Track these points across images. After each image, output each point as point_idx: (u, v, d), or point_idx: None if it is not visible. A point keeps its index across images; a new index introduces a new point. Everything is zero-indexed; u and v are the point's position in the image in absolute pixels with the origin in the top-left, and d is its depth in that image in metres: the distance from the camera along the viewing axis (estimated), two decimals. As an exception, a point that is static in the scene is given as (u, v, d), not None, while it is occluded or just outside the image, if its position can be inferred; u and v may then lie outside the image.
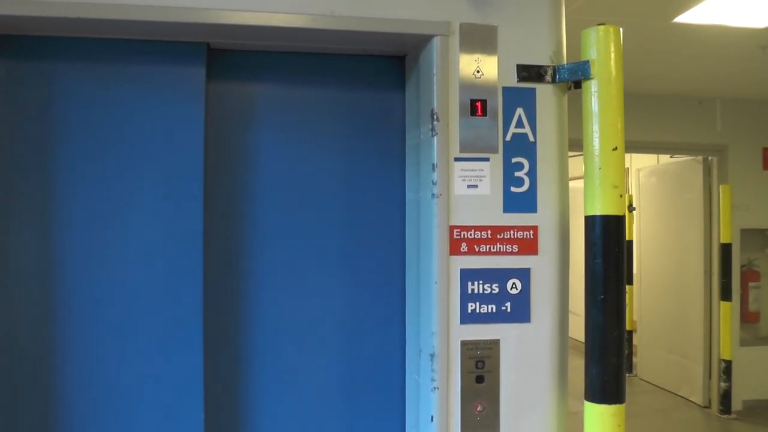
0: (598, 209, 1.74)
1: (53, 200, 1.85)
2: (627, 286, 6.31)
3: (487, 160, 1.85)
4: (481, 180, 1.84)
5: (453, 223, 1.83)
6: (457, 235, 1.83)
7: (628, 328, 7.16)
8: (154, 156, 1.90)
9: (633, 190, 8.04)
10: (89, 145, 1.87)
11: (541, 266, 1.88)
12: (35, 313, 1.84)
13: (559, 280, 1.90)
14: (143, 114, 1.90)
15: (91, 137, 1.87)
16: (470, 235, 1.84)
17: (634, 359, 8.01)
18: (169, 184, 1.90)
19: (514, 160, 1.86)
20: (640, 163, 8.14)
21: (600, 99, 1.75)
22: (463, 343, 1.83)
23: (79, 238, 1.86)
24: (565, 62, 1.91)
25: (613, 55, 1.75)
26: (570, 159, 1.96)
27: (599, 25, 1.77)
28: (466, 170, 1.84)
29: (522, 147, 1.87)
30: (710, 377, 6.61)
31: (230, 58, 2.01)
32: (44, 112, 1.85)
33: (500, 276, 1.85)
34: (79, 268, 1.86)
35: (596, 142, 1.74)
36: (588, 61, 1.77)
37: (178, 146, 1.90)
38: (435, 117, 1.82)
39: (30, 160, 1.85)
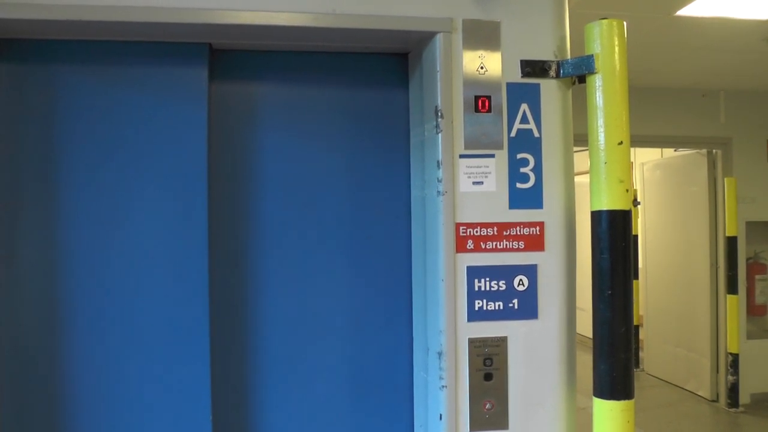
0: (605, 204, 1.73)
1: (57, 204, 1.85)
2: (633, 281, 6.30)
3: (492, 156, 1.84)
4: (486, 176, 1.84)
5: (459, 220, 1.82)
6: (463, 233, 1.82)
7: (634, 322, 7.14)
8: (158, 158, 1.89)
9: (637, 184, 8.02)
10: (93, 148, 1.87)
11: (548, 262, 1.87)
12: (41, 316, 1.84)
13: (566, 275, 1.89)
14: (146, 116, 1.89)
15: (94, 140, 1.87)
16: (476, 232, 1.83)
17: (641, 354, 8.01)
18: (173, 186, 1.89)
19: (519, 156, 1.85)
20: (644, 157, 8.12)
21: (604, 93, 1.74)
22: (471, 341, 1.83)
23: (84, 241, 1.86)
24: (569, 57, 1.90)
25: (617, 49, 1.74)
26: (575, 154, 1.95)
27: (602, 19, 1.76)
28: (471, 167, 1.83)
29: (527, 143, 1.86)
30: (717, 371, 6.59)
31: (232, 58, 2.00)
32: (47, 115, 1.85)
33: (507, 273, 1.84)
34: (84, 272, 1.85)
35: (601, 137, 1.73)
36: (592, 56, 1.76)
37: (182, 147, 1.89)
38: (439, 114, 1.82)
39: (34, 163, 1.84)
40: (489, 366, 1.83)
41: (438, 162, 1.82)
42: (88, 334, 1.85)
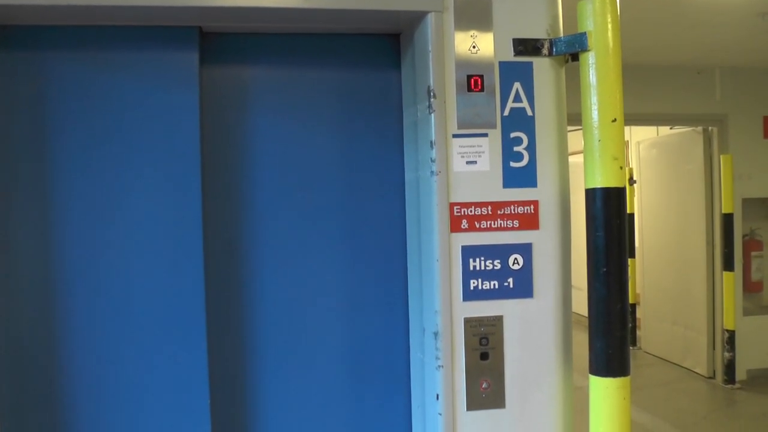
0: (599, 182, 1.72)
1: (50, 191, 1.84)
2: (629, 260, 6.33)
3: (485, 135, 1.84)
4: (480, 156, 1.83)
5: (453, 200, 1.82)
6: (457, 212, 1.82)
7: (631, 301, 7.17)
8: (151, 143, 1.88)
9: (633, 163, 8.02)
10: (85, 135, 1.86)
11: (543, 241, 1.87)
12: (36, 304, 1.84)
13: (561, 254, 1.89)
14: (137, 101, 1.88)
15: (86, 127, 1.86)
16: (470, 211, 1.83)
17: (638, 332, 8.05)
18: (166, 171, 1.88)
19: (512, 135, 1.85)
20: (639, 135, 8.12)
21: (598, 70, 1.73)
22: (467, 321, 1.83)
23: (78, 228, 1.85)
24: (561, 35, 1.89)
25: (610, 26, 1.73)
26: (569, 133, 1.94)
27: (595, -5, 1.75)
28: (464, 146, 1.82)
29: (520, 121, 1.85)
30: (714, 348, 6.63)
31: (223, 41, 1.99)
32: (37, 102, 1.84)
33: (502, 252, 1.84)
34: (79, 259, 1.85)
35: (595, 114, 1.73)
36: (585, 33, 1.75)
37: (174, 132, 1.89)
38: (432, 94, 1.81)
39: (25, 151, 1.83)
40: (485, 345, 1.84)
41: (431, 142, 1.81)
42: (83, 321, 1.85)
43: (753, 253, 6.63)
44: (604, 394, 1.72)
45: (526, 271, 1.86)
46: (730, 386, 6.38)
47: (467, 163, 1.83)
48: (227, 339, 1.99)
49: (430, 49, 1.81)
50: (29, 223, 1.84)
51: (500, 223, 1.84)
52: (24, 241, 1.84)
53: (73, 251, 1.85)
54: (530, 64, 1.86)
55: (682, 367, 7.04)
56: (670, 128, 7.24)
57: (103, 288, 1.86)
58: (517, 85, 1.85)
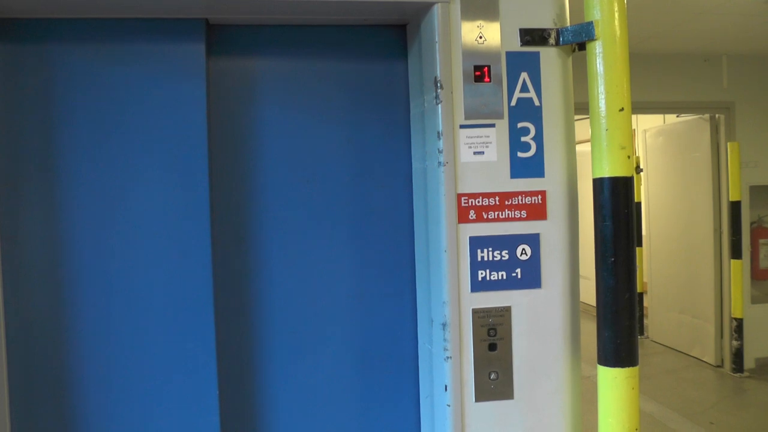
0: (606, 171, 1.72)
1: (58, 184, 1.84)
2: (637, 248, 6.33)
3: (492, 126, 1.83)
4: (487, 146, 1.83)
5: (460, 190, 1.82)
6: (465, 203, 1.82)
7: (638, 290, 7.17)
8: (158, 135, 1.88)
9: (640, 151, 8.00)
10: (92, 128, 1.86)
11: (551, 231, 1.87)
12: (45, 297, 1.85)
13: (569, 244, 1.89)
14: (145, 93, 1.88)
15: (93, 119, 1.86)
16: (478, 202, 1.83)
17: (645, 321, 8.04)
18: (173, 163, 1.89)
19: (519, 125, 1.84)
20: (646, 123, 8.09)
21: (605, 60, 1.72)
22: (475, 312, 1.83)
23: (85, 220, 1.86)
24: (568, 24, 1.88)
25: (617, 15, 1.72)
26: (576, 122, 1.94)
27: (602, -16, 1.74)
28: (471, 137, 1.82)
29: (527, 111, 1.85)
30: (722, 336, 6.63)
31: (230, 33, 1.99)
32: (44, 95, 1.84)
33: (510, 242, 1.84)
34: (87, 251, 1.86)
35: (602, 104, 1.72)
36: (591, 22, 1.74)
37: (182, 124, 1.89)
38: (439, 85, 1.80)
39: (33, 144, 1.84)
40: (493, 336, 1.84)
41: (438, 133, 1.81)
42: (92, 312, 1.86)
43: (761, 241, 6.62)
44: (613, 385, 1.72)
45: (534, 261, 1.86)
46: (738, 375, 6.38)
47: (474, 153, 1.82)
48: (235, 329, 1.99)
49: (436, 39, 1.81)
50: (37, 216, 1.84)
51: (508, 214, 1.84)
52: (32, 234, 1.84)
53: (81, 243, 1.86)
54: (537, 53, 1.86)
55: (690, 355, 7.04)
56: (677, 116, 7.21)
57: (111, 279, 1.87)
58: (524, 75, 1.85)
